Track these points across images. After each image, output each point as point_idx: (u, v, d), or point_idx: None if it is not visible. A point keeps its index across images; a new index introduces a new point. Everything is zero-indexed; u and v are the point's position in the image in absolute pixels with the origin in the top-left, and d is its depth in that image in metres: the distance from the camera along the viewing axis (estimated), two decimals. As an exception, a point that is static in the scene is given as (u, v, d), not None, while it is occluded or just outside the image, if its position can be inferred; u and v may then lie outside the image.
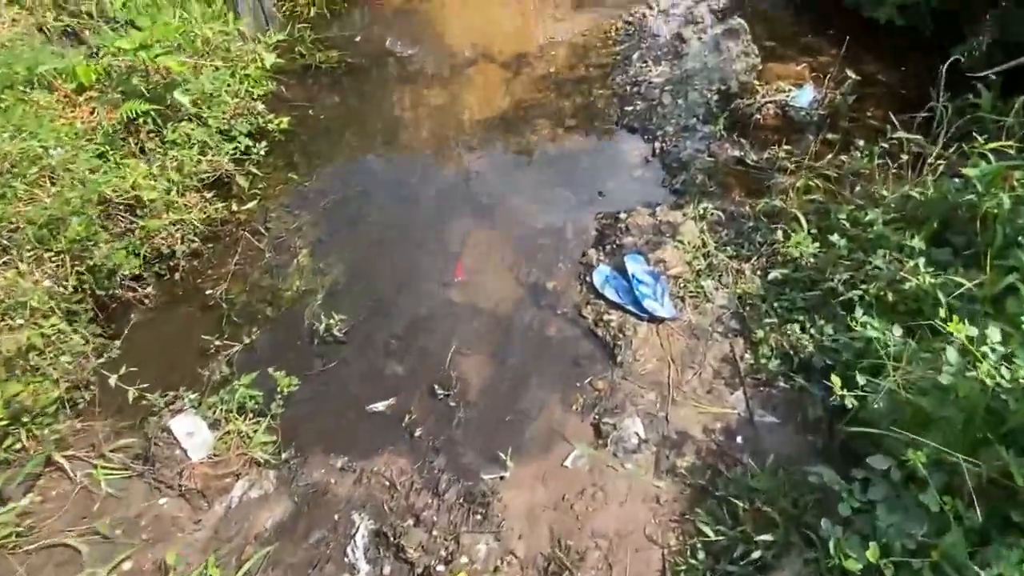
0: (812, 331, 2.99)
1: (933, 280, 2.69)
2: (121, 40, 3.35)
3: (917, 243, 2.79)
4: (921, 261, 2.70)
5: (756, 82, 4.92)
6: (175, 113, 3.76)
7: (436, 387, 3.16)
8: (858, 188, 3.72)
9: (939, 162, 3.32)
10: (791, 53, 5.62)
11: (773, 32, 5.92)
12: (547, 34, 6.04)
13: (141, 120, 3.58)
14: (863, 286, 2.95)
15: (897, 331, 2.56)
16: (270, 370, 3.02)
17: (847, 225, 3.34)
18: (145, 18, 3.58)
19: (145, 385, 2.90)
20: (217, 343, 3.32)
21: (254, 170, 4.35)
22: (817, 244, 3.33)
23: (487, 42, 5.98)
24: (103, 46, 3.40)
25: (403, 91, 5.40)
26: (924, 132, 4.75)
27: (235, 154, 4.27)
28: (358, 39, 5.86)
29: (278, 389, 2.96)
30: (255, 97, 4.70)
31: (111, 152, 3.41)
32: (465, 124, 5.07)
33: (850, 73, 4.77)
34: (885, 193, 3.29)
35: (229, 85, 4.43)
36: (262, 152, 4.47)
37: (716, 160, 4.37)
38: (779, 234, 3.54)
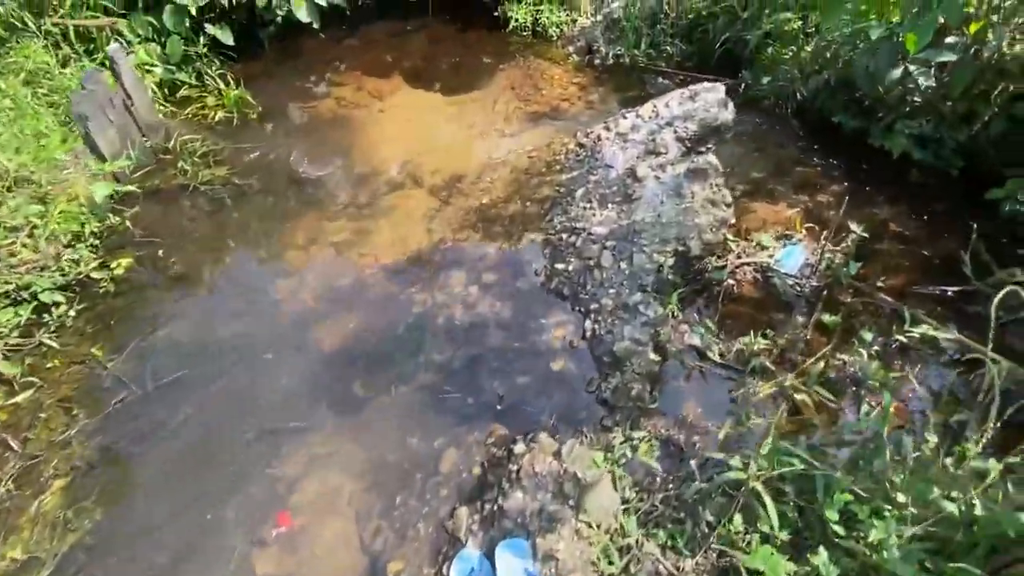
0: None
1: None
2: None
3: None
4: None
5: (729, 237, 3.79)
6: None
7: None
8: (857, 443, 2.47)
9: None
10: (782, 189, 4.53)
11: (761, 160, 4.85)
12: (491, 152, 5.05)
13: None
14: None
15: None
16: None
17: (839, 532, 2.08)
18: None
19: None
20: None
21: (48, 341, 3.28)
22: (793, 567, 2.06)
23: (421, 159, 5.00)
24: None
25: (297, 224, 4.37)
26: (956, 312, 3.59)
27: (18, 323, 3.22)
28: (256, 153, 4.90)
29: None
30: (84, 237, 3.70)
31: None
32: (363, 273, 3.99)
33: (854, 227, 3.63)
34: (900, 496, 2.03)
35: (35, 228, 3.42)
36: (71, 314, 3.43)
37: (664, 355, 3.18)
38: (737, 518, 2.28)
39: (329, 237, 4.29)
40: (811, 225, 4.05)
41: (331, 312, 3.74)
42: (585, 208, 3.97)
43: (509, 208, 4.44)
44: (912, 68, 3.70)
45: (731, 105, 4.30)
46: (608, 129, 4.56)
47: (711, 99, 4.27)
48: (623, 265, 3.48)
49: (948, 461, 2.24)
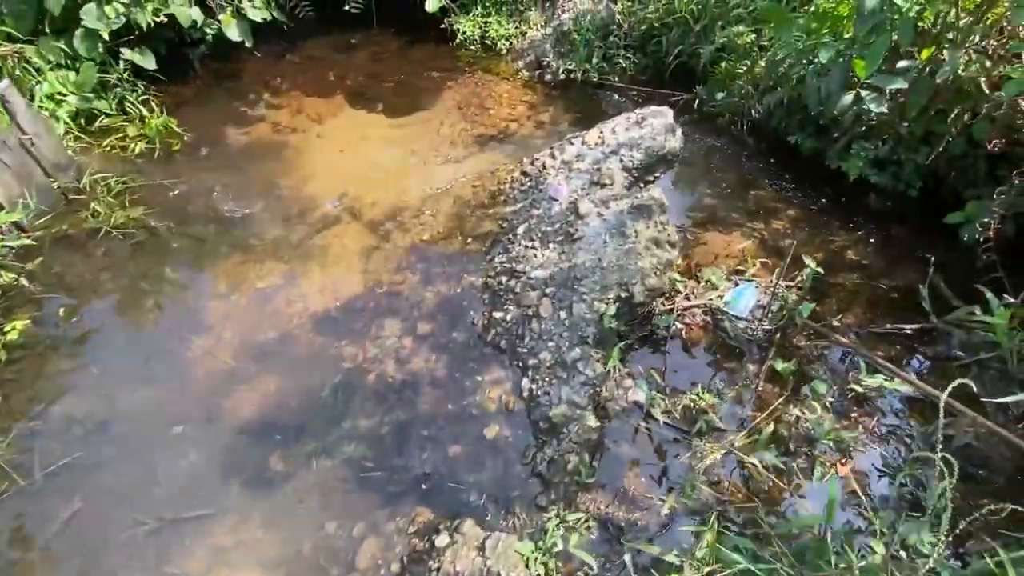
0: None
1: None
2: None
3: None
4: None
5: (677, 277, 3.56)
6: None
7: None
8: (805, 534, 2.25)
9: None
10: (735, 216, 4.32)
11: (714, 183, 4.65)
12: (434, 181, 4.76)
13: None
14: None
15: None
16: None
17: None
18: None
19: None
20: None
21: (-78, 426, 2.93)
22: None
23: (359, 190, 4.69)
24: None
25: (218, 269, 4.03)
26: (915, 352, 3.41)
27: None
28: (178, 189, 4.55)
29: None
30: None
31: None
32: (289, 325, 3.68)
33: (808, 261, 3.40)
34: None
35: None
36: (-51, 391, 3.07)
37: (606, 415, 2.94)
38: (673, 627, 2.05)
39: (254, 283, 3.96)
40: (765, 260, 3.84)
41: (250, 373, 3.43)
42: (527, 247, 3.71)
43: (450, 245, 4.16)
44: (864, 93, 3.49)
45: (679, 132, 4.06)
46: (553, 157, 4.29)
47: (658, 125, 4.02)
48: (563, 315, 3.23)
49: (904, 555, 2.04)
